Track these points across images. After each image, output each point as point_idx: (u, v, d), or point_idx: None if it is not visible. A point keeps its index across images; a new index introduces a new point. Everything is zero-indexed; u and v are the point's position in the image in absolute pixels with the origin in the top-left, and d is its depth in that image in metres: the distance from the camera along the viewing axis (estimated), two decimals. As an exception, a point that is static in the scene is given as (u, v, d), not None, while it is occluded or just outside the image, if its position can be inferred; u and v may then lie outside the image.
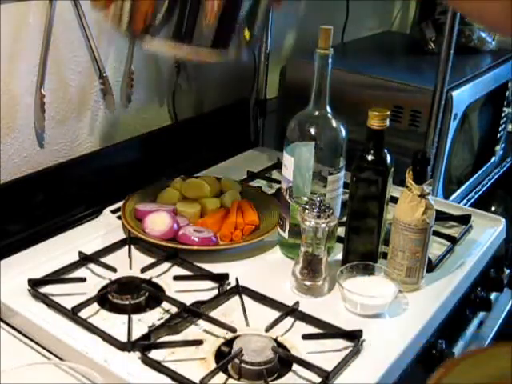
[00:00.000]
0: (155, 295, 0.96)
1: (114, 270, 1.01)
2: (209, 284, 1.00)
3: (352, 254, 1.04)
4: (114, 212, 1.18)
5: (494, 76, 1.62)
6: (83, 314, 0.91)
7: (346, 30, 1.85)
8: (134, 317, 0.91)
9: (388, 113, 1.00)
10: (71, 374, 0.77)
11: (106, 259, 1.05)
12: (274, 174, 1.40)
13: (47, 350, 0.89)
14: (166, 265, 1.05)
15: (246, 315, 0.93)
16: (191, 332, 0.90)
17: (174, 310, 0.93)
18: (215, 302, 0.96)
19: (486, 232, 1.22)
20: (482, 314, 1.34)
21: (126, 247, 1.07)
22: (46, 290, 0.96)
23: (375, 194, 1.02)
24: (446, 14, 1.28)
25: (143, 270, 1.01)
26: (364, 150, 1.01)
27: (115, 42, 1.24)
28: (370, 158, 1.01)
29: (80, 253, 1.05)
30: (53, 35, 1.11)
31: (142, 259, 1.03)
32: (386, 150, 1.01)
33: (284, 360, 0.84)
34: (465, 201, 1.61)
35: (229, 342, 0.87)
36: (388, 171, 1.01)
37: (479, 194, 1.66)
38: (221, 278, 1.00)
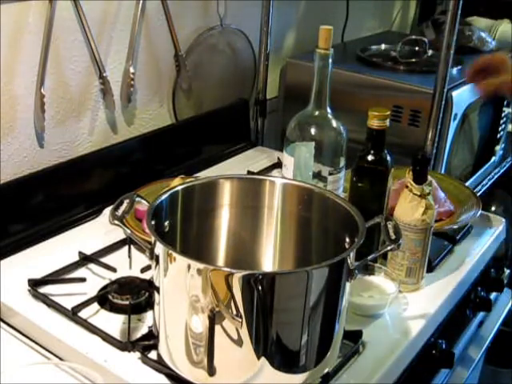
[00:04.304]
0: (155, 295, 0.96)
1: (113, 270, 1.01)
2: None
3: None
4: (113, 212, 1.18)
5: (494, 76, 1.61)
6: (83, 314, 0.91)
7: (346, 30, 1.85)
8: (134, 317, 0.91)
9: (388, 113, 1.00)
10: (71, 374, 0.77)
11: (105, 259, 1.05)
12: (274, 174, 1.40)
13: (47, 350, 0.89)
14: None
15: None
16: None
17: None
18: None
19: (486, 232, 1.22)
20: (481, 314, 1.34)
21: (126, 247, 1.07)
22: (45, 290, 0.96)
23: (375, 194, 1.02)
24: (445, 14, 1.28)
25: (143, 270, 1.01)
26: (364, 150, 1.01)
27: (115, 41, 1.24)
28: (370, 158, 1.01)
29: (80, 253, 1.05)
30: (53, 35, 1.11)
31: (142, 259, 1.03)
32: (386, 151, 1.01)
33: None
34: (465, 201, 1.61)
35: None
36: (388, 171, 1.01)
37: (479, 194, 1.66)
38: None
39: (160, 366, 0.82)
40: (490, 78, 1.14)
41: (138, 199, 0.85)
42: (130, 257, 1.04)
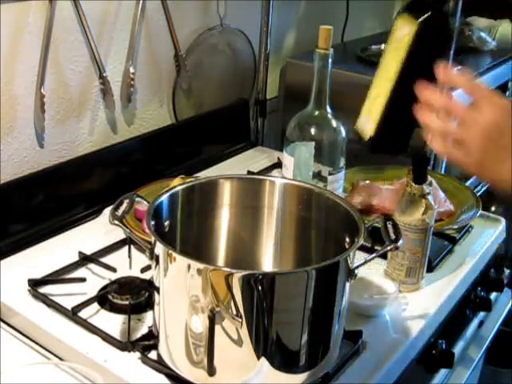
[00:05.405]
0: (155, 295, 0.96)
1: (113, 270, 1.01)
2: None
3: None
4: (113, 212, 1.18)
5: (494, 76, 1.61)
6: (83, 314, 0.91)
7: (346, 30, 1.85)
8: (134, 317, 0.91)
9: None
10: (71, 374, 0.77)
11: (105, 259, 1.05)
12: (274, 174, 1.40)
13: (47, 350, 0.89)
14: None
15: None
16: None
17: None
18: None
19: (486, 232, 1.22)
20: (482, 314, 1.34)
21: (126, 247, 1.07)
22: (45, 290, 0.96)
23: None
24: (446, 14, 1.28)
25: (143, 270, 1.01)
26: None
27: (115, 41, 1.24)
28: None
29: (80, 253, 1.05)
30: (53, 35, 1.11)
31: (142, 259, 1.03)
32: None
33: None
34: (465, 201, 1.61)
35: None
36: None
37: (479, 194, 1.66)
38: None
39: (160, 365, 0.82)
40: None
41: (137, 199, 0.85)
42: (130, 257, 1.04)
